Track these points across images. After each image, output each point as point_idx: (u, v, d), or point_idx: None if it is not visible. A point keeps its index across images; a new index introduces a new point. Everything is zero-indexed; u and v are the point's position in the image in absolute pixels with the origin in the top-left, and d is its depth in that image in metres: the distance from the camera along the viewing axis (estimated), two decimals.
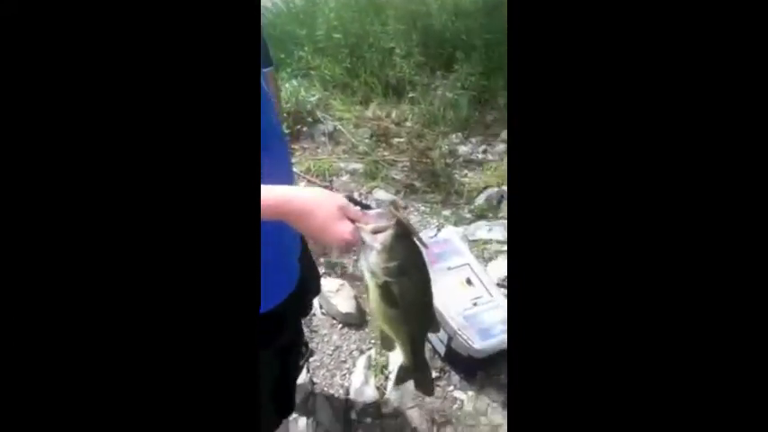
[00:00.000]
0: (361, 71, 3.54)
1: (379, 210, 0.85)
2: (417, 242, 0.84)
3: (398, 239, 0.80)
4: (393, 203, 0.95)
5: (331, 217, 0.79)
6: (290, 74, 3.54)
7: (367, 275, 0.84)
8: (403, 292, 0.83)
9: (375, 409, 1.79)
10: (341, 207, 0.80)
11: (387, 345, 0.98)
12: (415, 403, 1.81)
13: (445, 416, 1.77)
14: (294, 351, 1.34)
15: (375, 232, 0.80)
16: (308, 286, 1.30)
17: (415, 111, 3.31)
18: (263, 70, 1.10)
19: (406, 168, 2.86)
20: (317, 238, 0.83)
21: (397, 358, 1.91)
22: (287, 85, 3.25)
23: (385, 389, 1.85)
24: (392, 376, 1.86)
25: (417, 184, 2.77)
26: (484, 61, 3.42)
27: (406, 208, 2.59)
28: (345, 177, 2.81)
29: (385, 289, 0.82)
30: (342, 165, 2.88)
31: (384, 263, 0.80)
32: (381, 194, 2.65)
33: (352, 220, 0.80)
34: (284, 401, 1.31)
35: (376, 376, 1.88)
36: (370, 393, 1.83)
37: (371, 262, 0.80)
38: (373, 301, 0.86)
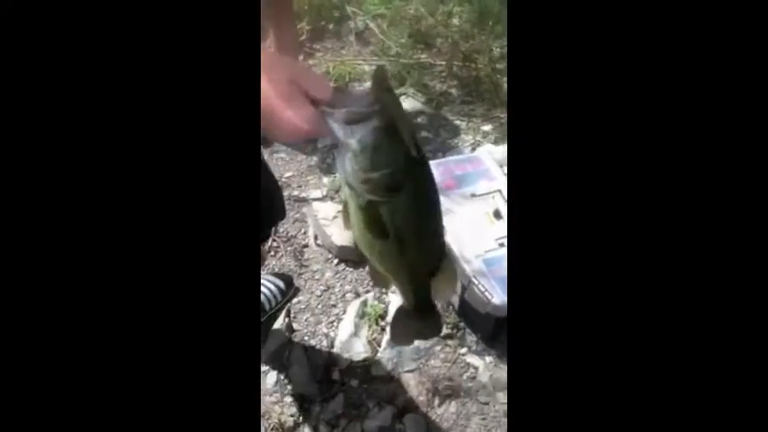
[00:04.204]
0: None
1: (358, 89, 0.56)
2: (409, 145, 0.56)
3: (386, 135, 0.55)
4: (376, 73, 0.56)
5: (279, 93, 0.55)
6: None
7: (345, 191, 0.61)
8: (394, 215, 0.60)
9: (363, 369, 1.41)
10: (295, 78, 0.56)
11: (379, 282, 0.74)
12: (416, 365, 1.40)
13: (452, 386, 1.36)
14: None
15: (349, 122, 0.55)
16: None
17: (465, 7, 2.72)
18: None
19: (443, 74, 2.33)
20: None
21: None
22: None
23: (378, 344, 1.45)
24: (389, 328, 1.46)
25: (455, 92, 2.24)
26: None
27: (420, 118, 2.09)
28: (369, 83, 2.33)
29: (368, 212, 0.60)
30: (366, 68, 2.38)
31: (365, 171, 0.56)
32: (408, 103, 2.16)
33: (315, 102, 0.56)
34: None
35: (370, 327, 1.48)
36: (359, 348, 1.44)
37: (347, 170, 0.57)
38: (355, 227, 0.63)
